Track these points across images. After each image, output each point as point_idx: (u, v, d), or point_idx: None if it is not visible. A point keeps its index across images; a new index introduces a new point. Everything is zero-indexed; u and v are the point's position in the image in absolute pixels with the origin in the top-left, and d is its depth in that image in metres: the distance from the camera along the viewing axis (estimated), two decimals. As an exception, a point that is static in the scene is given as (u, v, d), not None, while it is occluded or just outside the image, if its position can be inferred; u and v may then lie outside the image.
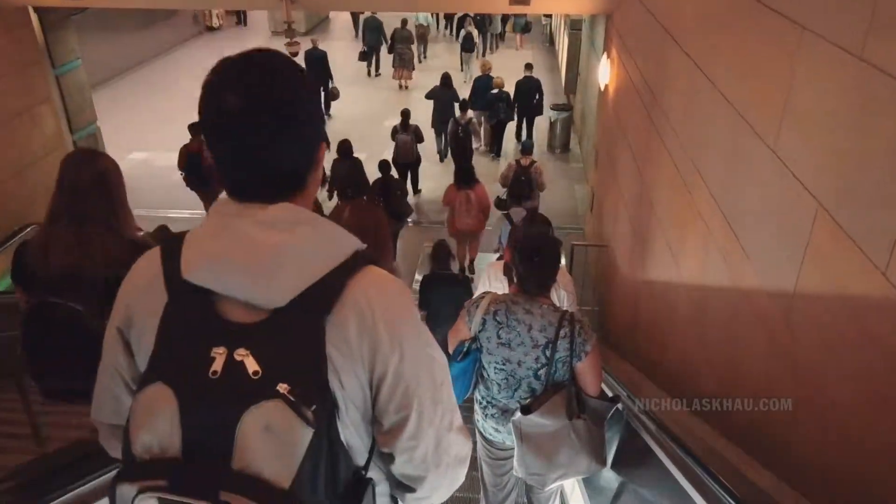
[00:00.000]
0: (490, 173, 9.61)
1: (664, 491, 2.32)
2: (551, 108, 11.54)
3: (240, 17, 20.76)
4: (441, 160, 10.84)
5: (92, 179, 2.17)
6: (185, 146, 7.85)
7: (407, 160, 9.09)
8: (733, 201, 2.99)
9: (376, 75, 15.39)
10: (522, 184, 7.65)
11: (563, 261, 5.17)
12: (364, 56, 14.76)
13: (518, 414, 2.34)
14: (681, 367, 3.70)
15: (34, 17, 8.04)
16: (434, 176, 10.26)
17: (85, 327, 2.00)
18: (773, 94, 2.53)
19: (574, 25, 12.39)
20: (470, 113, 9.86)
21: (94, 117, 9.56)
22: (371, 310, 0.99)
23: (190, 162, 7.70)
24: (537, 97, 10.96)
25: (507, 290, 2.78)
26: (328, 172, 7.66)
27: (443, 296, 5.10)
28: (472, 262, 7.96)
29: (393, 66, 14.32)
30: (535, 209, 7.38)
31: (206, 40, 19.22)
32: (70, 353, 2.06)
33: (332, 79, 12.23)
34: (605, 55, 7.15)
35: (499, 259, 4.37)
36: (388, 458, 1.08)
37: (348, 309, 0.97)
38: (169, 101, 13.75)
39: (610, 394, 2.67)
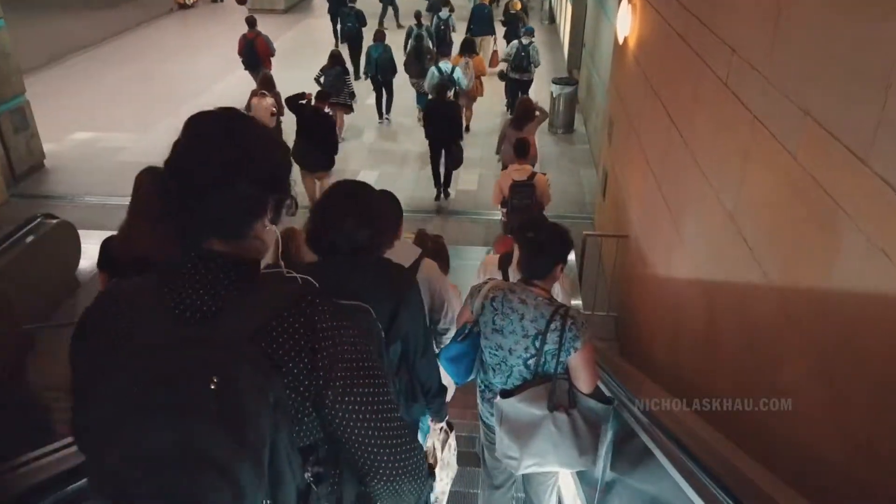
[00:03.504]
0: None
1: (660, 489, 2.14)
2: (553, 83, 10.21)
3: (216, -6, 19.43)
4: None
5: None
6: (244, 34, 9.99)
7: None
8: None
9: None
10: (522, 58, 9.79)
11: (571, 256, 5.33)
12: None
13: (498, 397, 2.37)
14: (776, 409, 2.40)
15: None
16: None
17: None
18: None
19: (578, -9, 11.08)
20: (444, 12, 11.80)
21: (22, 89, 8.20)
22: (429, 274, 2.48)
23: (246, 46, 10.00)
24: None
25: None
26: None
27: (439, 111, 7.71)
28: (467, 127, 10.09)
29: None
30: (530, 81, 10.05)
31: (179, 17, 17.82)
32: None
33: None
34: (624, 1, 5.82)
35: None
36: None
37: (421, 274, 2.43)
38: (127, 80, 12.42)
39: (608, 393, 2.56)
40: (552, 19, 17.41)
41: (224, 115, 1.07)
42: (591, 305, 5.74)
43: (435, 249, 3.32)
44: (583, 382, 2.30)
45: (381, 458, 1.13)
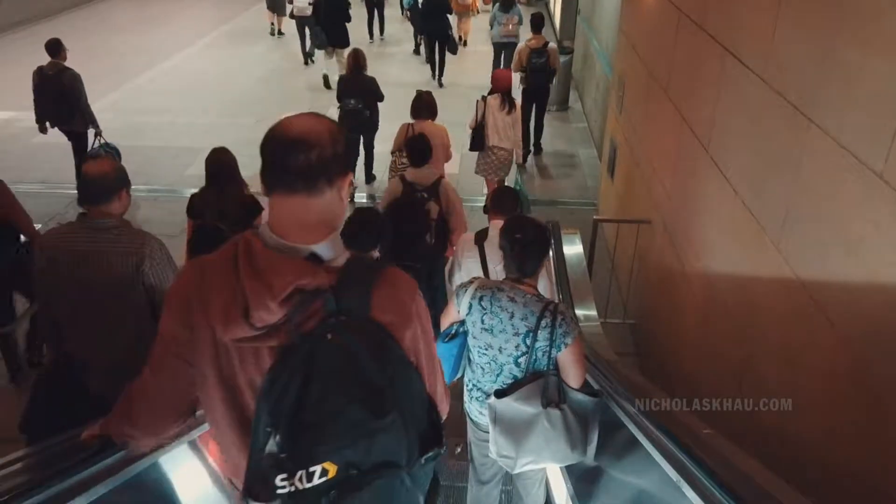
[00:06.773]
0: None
1: (650, 481, 2.02)
2: (546, 52, 9.01)
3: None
4: None
5: (225, 166, 3.84)
6: None
7: None
8: None
9: None
10: None
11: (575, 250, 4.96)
12: None
13: (493, 397, 2.34)
14: None
15: None
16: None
17: (224, 238, 3.05)
18: None
19: (572, -50, 9.91)
20: None
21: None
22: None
23: None
24: None
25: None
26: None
27: (433, 5, 9.97)
28: (465, 42, 12.21)
29: None
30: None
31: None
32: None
33: None
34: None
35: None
36: None
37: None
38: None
39: (596, 386, 2.46)
40: (540, -4, 16.23)
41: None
42: (604, 311, 4.56)
43: (428, 101, 5.04)
44: (572, 377, 2.30)
45: None
